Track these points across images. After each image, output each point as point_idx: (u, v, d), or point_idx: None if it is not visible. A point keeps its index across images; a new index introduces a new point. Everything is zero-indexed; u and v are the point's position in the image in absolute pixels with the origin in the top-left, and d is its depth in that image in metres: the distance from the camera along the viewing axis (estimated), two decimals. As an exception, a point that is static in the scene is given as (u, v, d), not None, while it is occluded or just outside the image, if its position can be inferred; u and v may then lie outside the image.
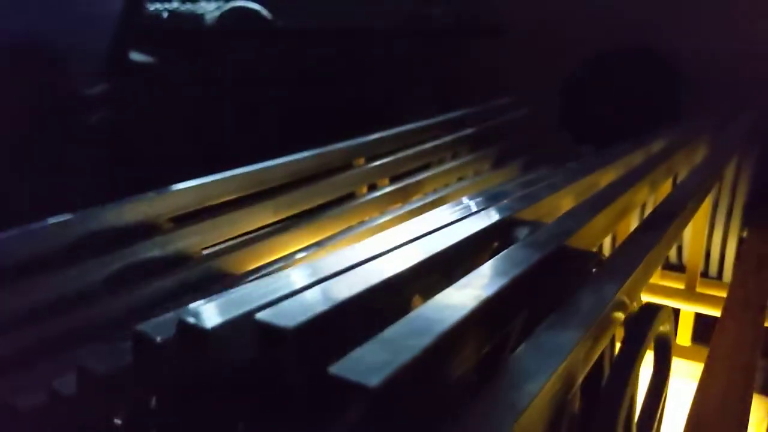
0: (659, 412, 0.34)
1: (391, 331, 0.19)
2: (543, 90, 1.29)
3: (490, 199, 0.37)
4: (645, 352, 0.28)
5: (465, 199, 0.38)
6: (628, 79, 1.30)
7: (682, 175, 0.56)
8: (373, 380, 0.16)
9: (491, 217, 0.33)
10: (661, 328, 0.31)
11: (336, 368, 0.16)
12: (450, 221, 0.32)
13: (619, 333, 0.29)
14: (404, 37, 1.30)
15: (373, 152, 0.62)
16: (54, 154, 0.96)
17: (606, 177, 0.43)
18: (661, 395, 0.34)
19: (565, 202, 0.38)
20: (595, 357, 0.25)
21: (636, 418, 0.29)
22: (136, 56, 1.11)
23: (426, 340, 0.18)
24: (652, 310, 0.29)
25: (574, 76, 1.33)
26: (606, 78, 1.33)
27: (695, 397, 0.38)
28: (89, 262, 0.37)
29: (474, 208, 0.36)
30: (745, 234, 0.64)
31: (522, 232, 0.32)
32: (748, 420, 0.38)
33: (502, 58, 1.36)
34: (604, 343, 0.25)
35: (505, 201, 0.36)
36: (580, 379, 0.23)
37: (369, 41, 1.30)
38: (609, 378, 0.27)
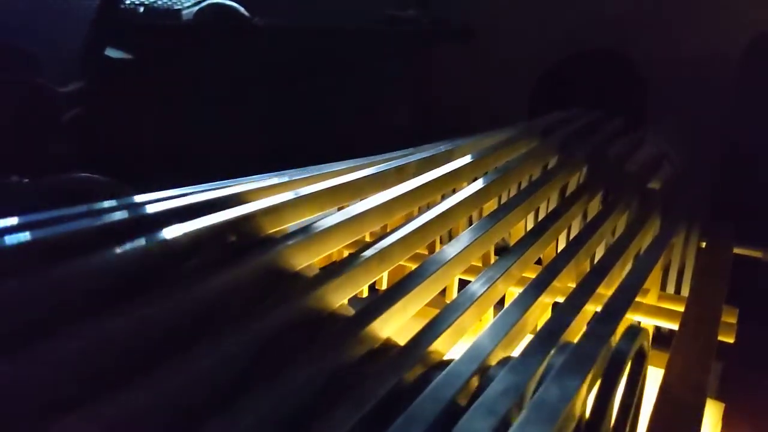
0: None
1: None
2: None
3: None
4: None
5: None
6: (593, 80, 1.34)
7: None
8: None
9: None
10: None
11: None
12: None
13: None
14: (379, 38, 1.32)
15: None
16: (29, 152, 0.96)
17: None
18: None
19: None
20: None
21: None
22: (111, 52, 1.10)
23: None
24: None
25: (542, 76, 1.37)
26: (572, 78, 1.36)
27: (654, 409, 0.42)
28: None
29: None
30: (704, 245, 0.67)
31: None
32: (701, 424, 0.42)
33: (474, 58, 1.39)
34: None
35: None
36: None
37: (344, 41, 1.31)
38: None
